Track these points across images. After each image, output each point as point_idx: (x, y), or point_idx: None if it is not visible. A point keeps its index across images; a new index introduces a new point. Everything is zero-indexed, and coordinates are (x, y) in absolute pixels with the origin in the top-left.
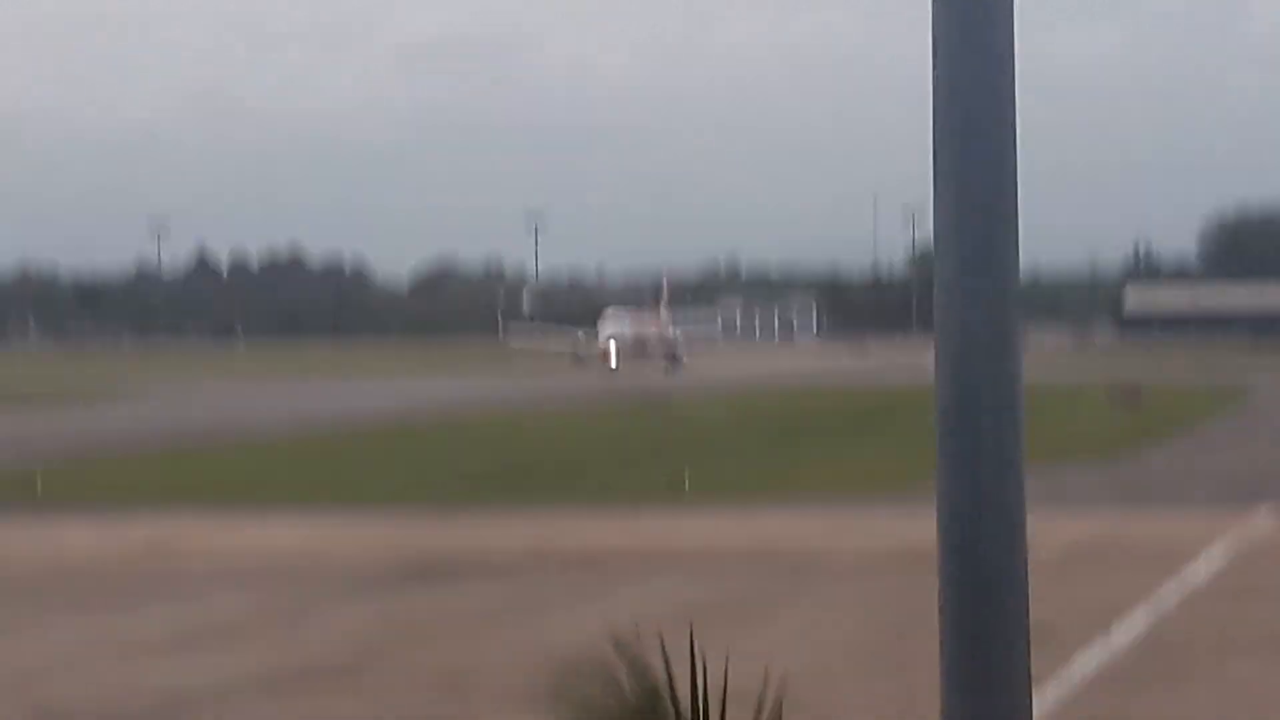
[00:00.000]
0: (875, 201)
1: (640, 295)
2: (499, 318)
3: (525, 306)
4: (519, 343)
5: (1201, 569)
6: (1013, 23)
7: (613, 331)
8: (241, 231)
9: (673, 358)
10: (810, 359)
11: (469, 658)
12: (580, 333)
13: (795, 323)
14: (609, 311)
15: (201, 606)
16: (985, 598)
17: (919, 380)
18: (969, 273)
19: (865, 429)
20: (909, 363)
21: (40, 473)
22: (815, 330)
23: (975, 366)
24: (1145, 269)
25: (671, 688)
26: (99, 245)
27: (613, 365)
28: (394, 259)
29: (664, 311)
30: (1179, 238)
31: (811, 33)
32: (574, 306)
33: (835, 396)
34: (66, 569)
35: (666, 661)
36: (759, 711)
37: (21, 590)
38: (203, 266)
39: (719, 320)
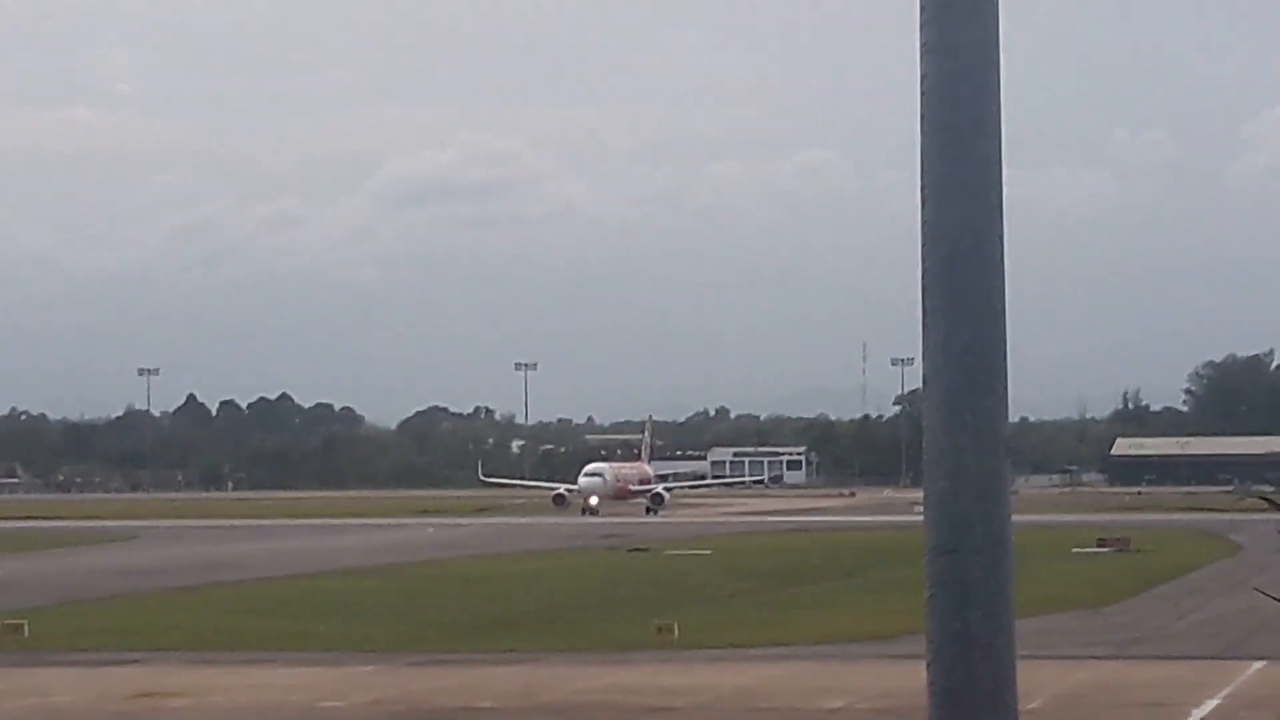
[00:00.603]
0: (864, 350)
1: (626, 443)
2: (478, 466)
3: (514, 452)
4: (502, 482)
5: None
6: (1000, 163)
7: (595, 478)
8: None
9: (656, 498)
10: (796, 504)
11: None
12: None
13: (785, 469)
14: (592, 462)
15: None
16: None
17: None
18: (957, 417)
19: (846, 573)
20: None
21: (27, 618)
22: (805, 476)
23: (965, 509)
24: (1134, 412)
25: None
26: (88, 389)
27: (594, 509)
28: (383, 405)
29: (646, 458)
30: (1168, 379)
31: (801, 174)
32: (562, 454)
33: (816, 542)
34: (60, 715)
35: None
36: None
37: None
38: (191, 410)
39: (709, 467)
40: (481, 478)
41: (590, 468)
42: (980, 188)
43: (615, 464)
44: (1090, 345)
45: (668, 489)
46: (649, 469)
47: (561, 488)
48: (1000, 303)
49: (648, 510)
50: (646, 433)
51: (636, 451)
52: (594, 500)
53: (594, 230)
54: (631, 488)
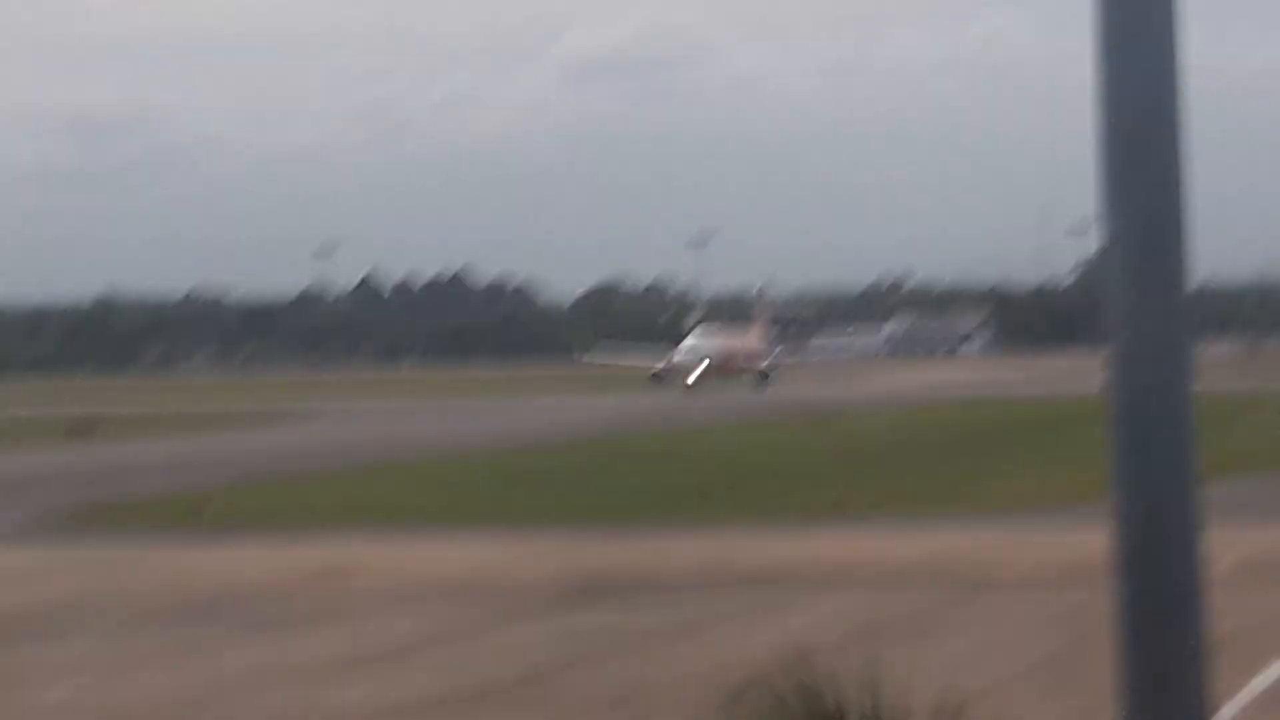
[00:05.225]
0: (1043, 214)
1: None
2: (595, 337)
3: (689, 324)
4: (603, 361)
5: None
6: (1179, 27)
7: (695, 349)
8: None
9: (762, 375)
10: (966, 373)
11: (642, 676)
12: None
13: (962, 337)
14: (696, 328)
15: (378, 628)
16: (1162, 612)
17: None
18: (1138, 283)
19: (1026, 440)
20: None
21: (218, 496)
22: (983, 345)
23: (1147, 376)
24: None
25: (841, 711)
26: (266, 270)
27: (690, 383)
28: (560, 280)
29: (759, 328)
30: None
31: (981, 41)
32: (735, 322)
33: (995, 411)
34: (247, 591)
35: (837, 685)
36: None
37: (211, 612)
38: (368, 289)
39: (884, 335)
40: (582, 352)
41: (690, 342)
42: (1160, 50)
43: (722, 336)
44: (1272, 208)
45: (775, 364)
46: (761, 341)
47: (665, 361)
48: (1182, 167)
49: (756, 384)
50: (759, 298)
51: (756, 317)
52: (694, 377)
53: (773, 101)
54: (738, 362)
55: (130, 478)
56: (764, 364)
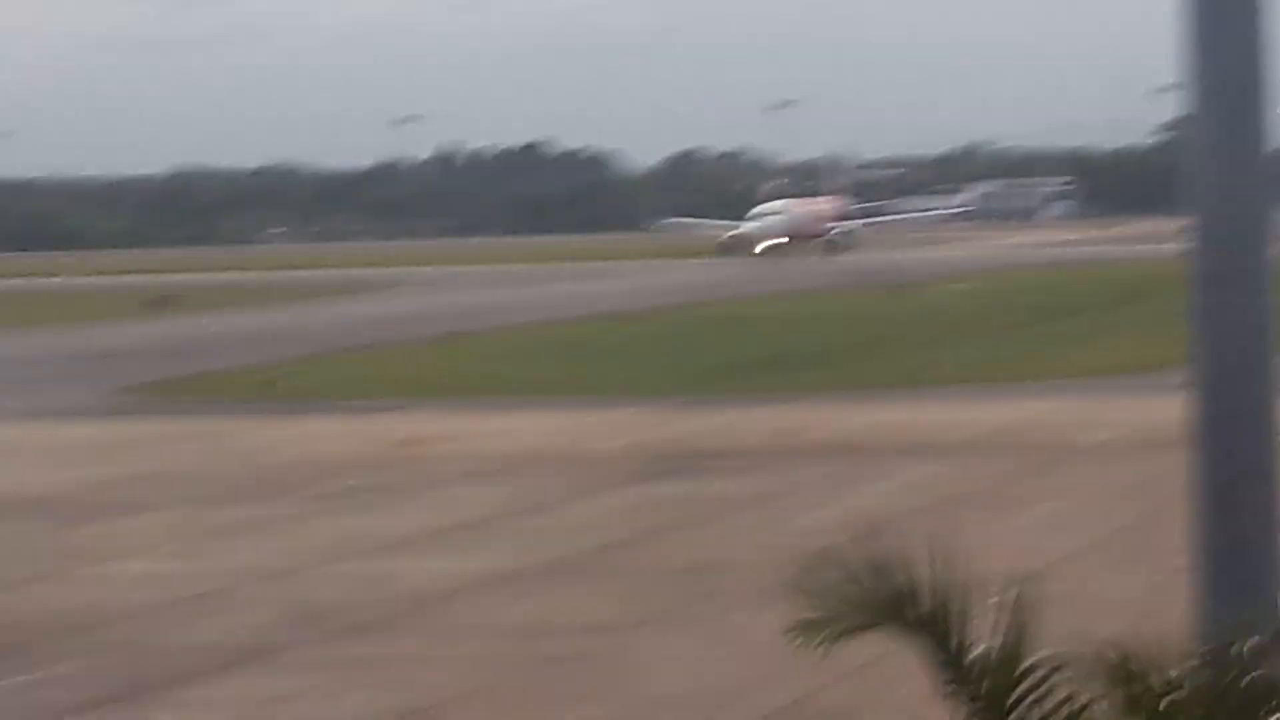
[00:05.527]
0: (1123, 79)
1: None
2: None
3: (764, 192)
4: (677, 229)
5: None
6: None
7: (767, 216)
8: (488, 123)
9: (833, 243)
10: (1058, 237)
11: (716, 548)
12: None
13: (1043, 202)
14: (771, 197)
15: (457, 500)
16: (1237, 477)
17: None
18: (1219, 150)
19: (1109, 306)
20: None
21: (298, 369)
22: (1063, 210)
23: (1228, 238)
24: None
25: (913, 584)
26: (340, 142)
27: (759, 251)
28: (643, 147)
29: (833, 196)
30: None
31: None
32: (810, 190)
33: (1078, 276)
34: (329, 464)
35: (910, 557)
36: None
37: (290, 484)
38: (448, 158)
39: (962, 203)
40: (661, 220)
41: (761, 208)
42: None
43: (797, 201)
44: None
45: (853, 227)
46: (838, 205)
47: (739, 229)
48: (1265, 31)
49: (832, 251)
50: (836, 164)
51: (826, 191)
52: (764, 245)
53: None
54: (812, 230)
55: (211, 351)
56: (838, 231)
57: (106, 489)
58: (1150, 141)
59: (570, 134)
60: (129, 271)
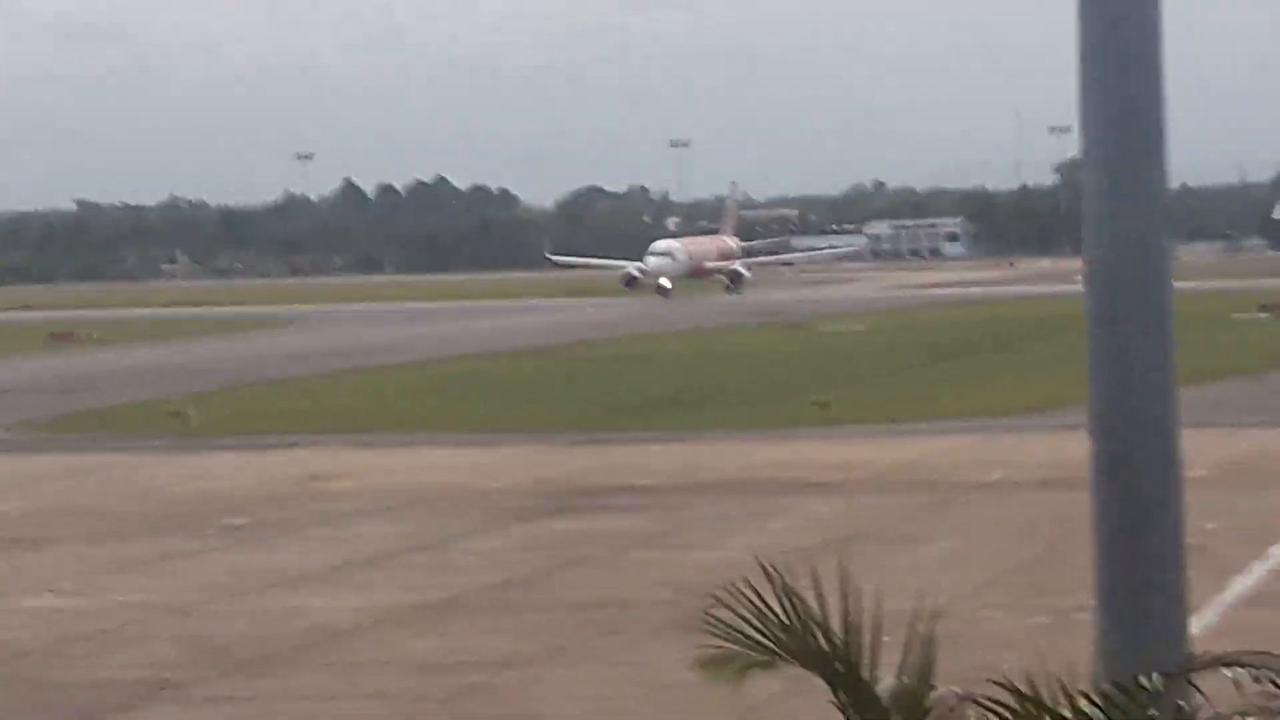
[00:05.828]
0: (1020, 119)
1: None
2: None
3: (671, 230)
4: (575, 265)
5: None
6: None
7: (666, 253)
8: (387, 161)
9: (734, 279)
10: (955, 276)
11: (618, 582)
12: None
13: (942, 243)
14: (665, 239)
15: (357, 535)
16: (1140, 515)
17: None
18: (1117, 186)
19: (1006, 345)
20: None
21: (197, 403)
22: (964, 248)
23: (1125, 277)
24: None
25: (824, 614)
26: (246, 178)
27: (665, 290)
28: (539, 186)
29: (729, 231)
30: None
31: None
32: (709, 230)
33: (976, 315)
34: (227, 500)
35: (816, 590)
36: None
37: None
38: (347, 195)
39: (864, 239)
40: (547, 256)
41: (659, 245)
42: None
43: (690, 239)
44: (1250, 108)
45: (748, 266)
46: (731, 243)
47: (631, 267)
48: (1159, 68)
49: (726, 289)
50: (729, 202)
51: (724, 223)
52: (665, 281)
53: (747, 5)
54: (709, 265)
55: (110, 385)
56: (735, 269)
57: (3, 524)
58: (1051, 180)
59: (470, 171)
60: (29, 307)
